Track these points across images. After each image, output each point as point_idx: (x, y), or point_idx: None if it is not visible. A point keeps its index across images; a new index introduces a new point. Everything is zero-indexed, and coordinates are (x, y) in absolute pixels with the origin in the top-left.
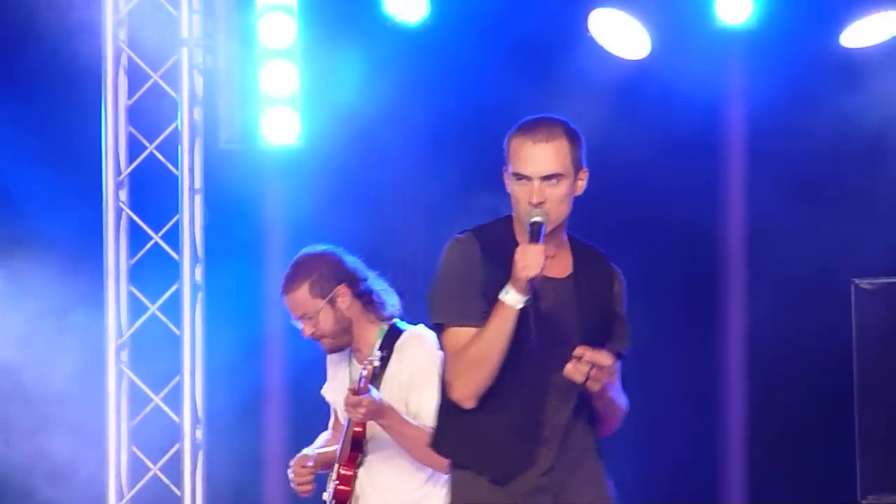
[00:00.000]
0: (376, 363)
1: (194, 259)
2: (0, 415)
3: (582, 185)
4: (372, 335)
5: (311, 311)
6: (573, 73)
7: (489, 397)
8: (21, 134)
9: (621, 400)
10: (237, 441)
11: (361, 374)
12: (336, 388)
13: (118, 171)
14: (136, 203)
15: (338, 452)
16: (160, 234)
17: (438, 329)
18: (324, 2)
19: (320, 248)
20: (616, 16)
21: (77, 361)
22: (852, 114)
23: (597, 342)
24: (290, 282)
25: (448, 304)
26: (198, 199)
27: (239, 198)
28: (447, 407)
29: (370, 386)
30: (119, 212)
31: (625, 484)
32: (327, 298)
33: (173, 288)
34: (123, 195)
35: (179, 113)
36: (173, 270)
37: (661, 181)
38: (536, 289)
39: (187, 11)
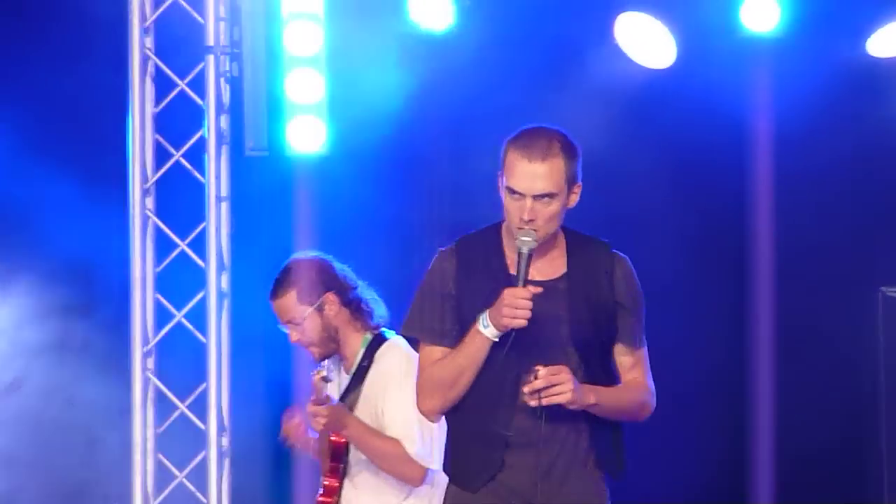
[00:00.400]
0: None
1: (220, 267)
2: (23, 422)
3: (575, 198)
4: (356, 344)
5: (298, 317)
6: (599, 82)
7: (463, 404)
8: (48, 141)
9: (632, 396)
10: (263, 449)
11: (325, 380)
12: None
13: (145, 179)
14: (162, 211)
15: (321, 464)
16: (187, 241)
17: (413, 341)
18: (350, 10)
19: (311, 253)
20: (643, 21)
21: (101, 368)
22: (880, 122)
23: (591, 341)
24: (279, 287)
25: (419, 319)
26: (224, 206)
27: (265, 205)
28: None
29: (331, 396)
30: (146, 219)
31: (657, 488)
32: (315, 305)
33: (199, 295)
34: (150, 203)
35: (206, 120)
36: (199, 278)
37: (686, 190)
38: None
39: (213, 19)
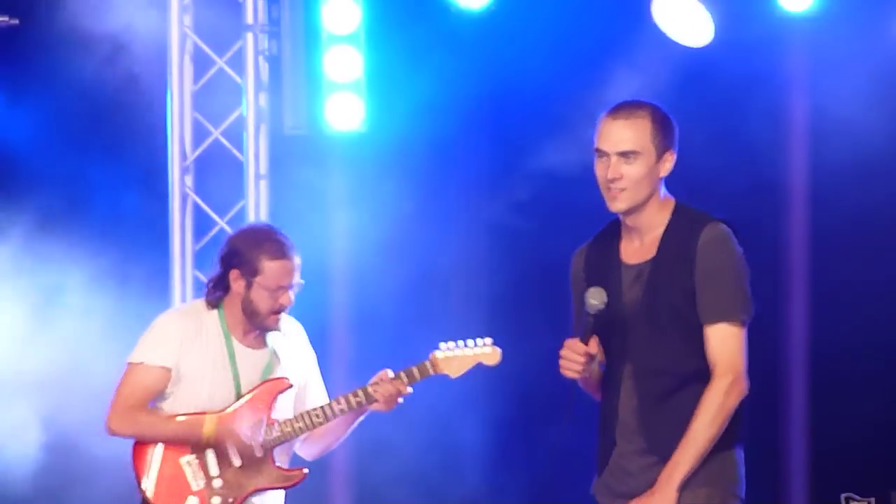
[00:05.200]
0: None
1: None
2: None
3: (668, 166)
4: None
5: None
6: (636, 61)
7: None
8: (88, 121)
9: (704, 431)
10: None
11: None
12: (206, 362)
13: (184, 157)
14: (201, 188)
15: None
16: (225, 219)
17: None
18: None
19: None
20: (680, 2)
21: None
22: None
23: (666, 326)
24: (294, 248)
25: None
26: (263, 184)
27: (303, 183)
28: None
29: None
30: (185, 197)
31: None
32: None
33: None
34: (189, 180)
35: (244, 99)
36: None
37: (720, 175)
38: (621, 279)
39: None
